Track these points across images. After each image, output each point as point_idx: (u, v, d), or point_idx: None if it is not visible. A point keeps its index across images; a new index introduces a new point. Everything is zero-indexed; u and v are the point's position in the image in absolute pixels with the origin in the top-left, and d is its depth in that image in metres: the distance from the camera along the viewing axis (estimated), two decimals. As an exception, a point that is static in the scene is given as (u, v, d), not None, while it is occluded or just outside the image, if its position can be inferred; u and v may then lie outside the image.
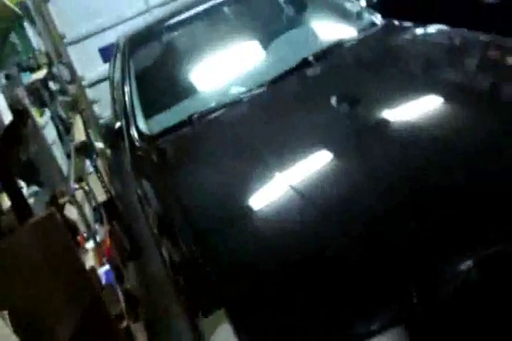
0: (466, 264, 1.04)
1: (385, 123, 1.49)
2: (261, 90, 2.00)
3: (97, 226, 2.24)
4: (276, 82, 2.02)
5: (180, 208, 1.52)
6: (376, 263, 1.07)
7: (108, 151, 3.36)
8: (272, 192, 1.41)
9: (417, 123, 1.43)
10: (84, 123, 3.19)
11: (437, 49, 1.94)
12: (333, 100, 1.75)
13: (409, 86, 1.66)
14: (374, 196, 1.23)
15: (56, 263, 1.30)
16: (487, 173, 1.18)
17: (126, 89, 2.33)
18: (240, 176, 1.55)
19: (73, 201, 1.98)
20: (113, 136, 2.26)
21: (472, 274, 1.04)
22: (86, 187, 2.40)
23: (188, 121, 1.97)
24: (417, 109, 1.52)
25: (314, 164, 1.45)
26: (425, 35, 2.08)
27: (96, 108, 4.45)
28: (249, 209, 1.40)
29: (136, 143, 2.03)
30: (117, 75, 2.60)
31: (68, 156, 2.43)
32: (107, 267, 1.93)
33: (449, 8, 2.56)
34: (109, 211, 2.50)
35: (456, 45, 1.97)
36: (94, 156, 2.98)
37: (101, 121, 4.35)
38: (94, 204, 2.42)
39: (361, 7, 2.48)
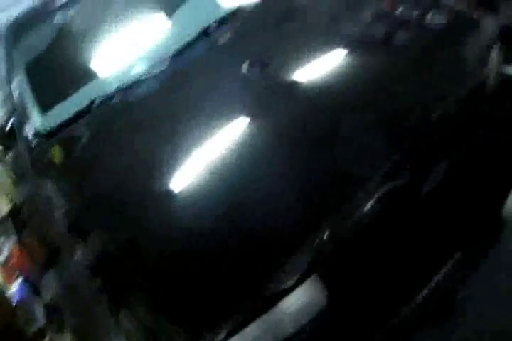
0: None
1: (294, 86, 1.49)
2: (164, 66, 1.86)
3: (3, 240, 2.02)
4: (179, 56, 1.89)
5: (84, 205, 1.44)
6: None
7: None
8: (176, 180, 1.36)
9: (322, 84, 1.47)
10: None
11: (338, 3, 1.93)
12: (240, 67, 1.68)
13: (313, 43, 1.67)
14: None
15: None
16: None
17: (14, 82, 2.09)
18: (141, 163, 1.47)
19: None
20: (5, 137, 2.01)
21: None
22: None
23: (87, 111, 1.79)
24: (320, 67, 1.55)
25: (222, 141, 1.40)
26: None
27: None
28: (153, 195, 1.34)
29: (32, 142, 1.82)
30: (2, 68, 2.33)
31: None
32: (19, 282, 1.74)
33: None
34: (17, 221, 2.26)
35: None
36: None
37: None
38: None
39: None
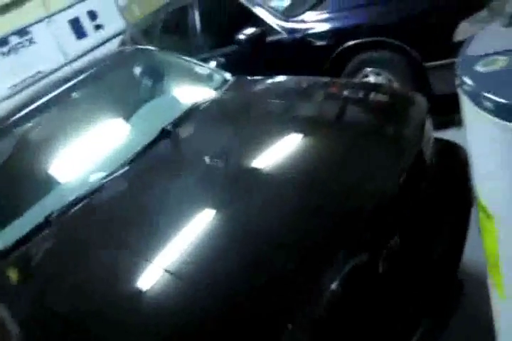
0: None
1: (255, 172, 1.58)
2: (123, 170, 1.84)
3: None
4: (139, 158, 1.89)
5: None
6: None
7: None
8: (146, 281, 1.32)
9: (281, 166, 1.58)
10: None
11: (286, 93, 2.11)
12: (200, 162, 1.74)
13: (269, 130, 1.78)
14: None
15: None
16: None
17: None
18: (109, 272, 1.40)
19: None
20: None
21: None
22: None
23: (45, 223, 1.72)
24: (279, 151, 1.65)
25: (190, 237, 1.40)
26: (273, 83, 2.22)
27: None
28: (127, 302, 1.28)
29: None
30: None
31: None
32: None
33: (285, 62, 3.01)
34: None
35: (301, 87, 2.15)
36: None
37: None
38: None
39: (211, 68, 2.51)
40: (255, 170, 1.60)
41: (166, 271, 1.30)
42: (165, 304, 1.23)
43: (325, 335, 1.16)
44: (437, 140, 1.78)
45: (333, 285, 1.18)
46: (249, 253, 1.27)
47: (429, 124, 1.68)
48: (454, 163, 1.73)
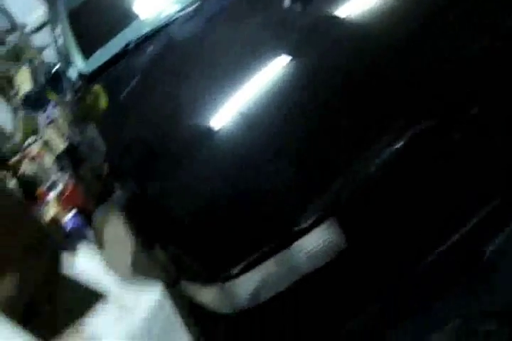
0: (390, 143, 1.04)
1: (338, 21, 1.35)
2: (197, 4, 1.85)
3: (59, 175, 2.21)
4: None
5: (121, 147, 1.49)
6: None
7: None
8: (211, 120, 1.33)
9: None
10: (33, 72, 3.03)
11: None
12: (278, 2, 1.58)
13: None
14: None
15: (7, 224, 1.30)
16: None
17: (60, 28, 2.18)
18: (177, 107, 1.44)
19: (28, 156, 1.93)
20: (52, 80, 2.15)
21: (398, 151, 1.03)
22: (43, 139, 2.33)
23: (124, 52, 1.86)
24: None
25: (258, 80, 1.35)
26: None
27: (45, 56, 4.21)
28: (192, 138, 1.31)
29: (75, 85, 1.93)
30: (50, 15, 2.43)
31: (15, 111, 2.33)
32: (72, 212, 1.93)
33: None
34: (72, 158, 2.46)
35: None
36: (50, 106, 2.86)
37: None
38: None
39: None
40: (338, 22, 1.37)
41: (233, 111, 1.28)
42: (223, 144, 1.23)
43: (374, 199, 1.05)
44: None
45: (394, 147, 1.05)
46: (312, 106, 1.18)
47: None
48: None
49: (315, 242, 1.01)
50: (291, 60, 1.33)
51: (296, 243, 1.00)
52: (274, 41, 1.44)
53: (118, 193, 1.50)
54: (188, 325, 1.41)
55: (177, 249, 1.15)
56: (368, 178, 1.03)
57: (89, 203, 2.28)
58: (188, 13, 1.85)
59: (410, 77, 1.13)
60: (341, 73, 1.22)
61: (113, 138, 1.58)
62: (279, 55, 1.36)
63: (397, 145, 1.04)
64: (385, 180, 1.04)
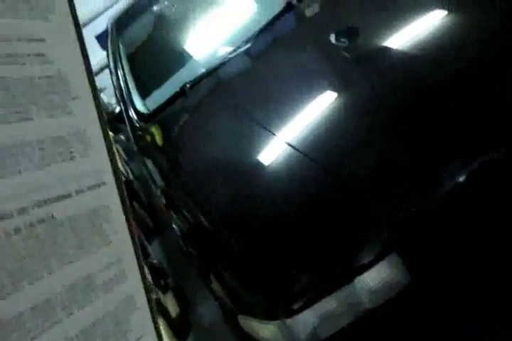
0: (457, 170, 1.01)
1: (384, 53, 1.37)
2: (249, 45, 1.95)
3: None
4: (263, 33, 1.96)
5: (178, 180, 1.55)
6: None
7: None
8: (269, 152, 1.36)
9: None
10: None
11: None
12: (328, 38, 1.59)
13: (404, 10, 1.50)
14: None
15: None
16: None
17: (120, 72, 2.35)
18: (235, 141, 1.51)
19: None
20: (115, 121, 2.29)
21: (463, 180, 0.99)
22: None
23: (181, 92, 1.97)
24: (417, 32, 1.37)
25: (312, 113, 1.37)
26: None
27: (103, 96, 4.50)
28: (249, 170, 1.35)
29: (136, 124, 2.06)
30: (111, 59, 2.61)
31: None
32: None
33: None
34: (128, 192, 2.56)
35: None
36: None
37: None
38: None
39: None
40: (386, 52, 1.37)
41: (289, 144, 1.29)
42: (283, 177, 1.24)
43: (438, 235, 1.02)
44: None
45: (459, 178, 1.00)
46: (371, 136, 1.17)
47: None
48: None
49: (377, 278, 0.99)
50: (350, 95, 1.34)
51: (357, 279, 0.98)
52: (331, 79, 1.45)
53: (176, 223, 1.54)
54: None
55: (236, 282, 1.15)
56: (431, 213, 1.01)
57: (144, 236, 2.37)
58: (240, 54, 1.96)
59: (478, 107, 1.09)
60: (405, 106, 1.19)
61: (171, 170, 1.65)
62: (339, 91, 1.38)
63: (461, 178, 1.00)
64: (449, 215, 1.02)
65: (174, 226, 1.57)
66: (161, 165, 1.75)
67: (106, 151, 0.54)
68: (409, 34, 1.40)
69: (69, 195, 0.47)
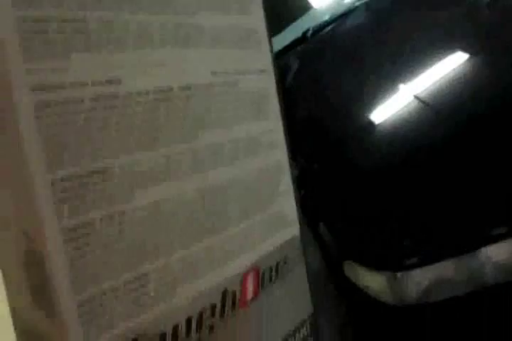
0: None
1: None
2: None
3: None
4: None
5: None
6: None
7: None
8: (396, 105, 1.30)
9: None
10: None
11: None
12: None
13: None
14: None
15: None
16: None
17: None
18: (362, 91, 1.43)
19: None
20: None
21: None
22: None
23: (302, 39, 1.95)
24: None
25: (445, 71, 1.29)
26: None
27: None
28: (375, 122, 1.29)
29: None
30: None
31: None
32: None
33: None
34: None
35: None
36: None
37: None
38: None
39: None
40: None
41: (416, 97, 1.24)
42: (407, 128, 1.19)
43: None
44: None
45: None
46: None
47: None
48: None
49: (505, 253, 0.92)
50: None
51: (483, 249, 0.92)
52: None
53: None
54: (334, 304, 1.44)
55: (351, 231, 1.11)
56: None
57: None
58: (367, 2, 1.87)
59: None
60: None
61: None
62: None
63: None
64: None
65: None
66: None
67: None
68: None
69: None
